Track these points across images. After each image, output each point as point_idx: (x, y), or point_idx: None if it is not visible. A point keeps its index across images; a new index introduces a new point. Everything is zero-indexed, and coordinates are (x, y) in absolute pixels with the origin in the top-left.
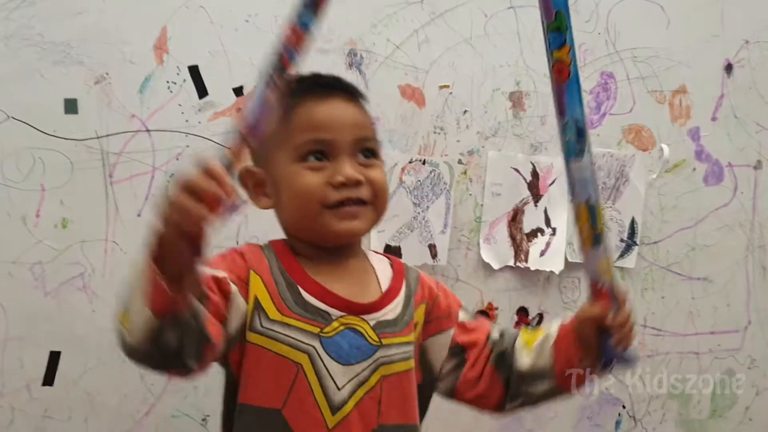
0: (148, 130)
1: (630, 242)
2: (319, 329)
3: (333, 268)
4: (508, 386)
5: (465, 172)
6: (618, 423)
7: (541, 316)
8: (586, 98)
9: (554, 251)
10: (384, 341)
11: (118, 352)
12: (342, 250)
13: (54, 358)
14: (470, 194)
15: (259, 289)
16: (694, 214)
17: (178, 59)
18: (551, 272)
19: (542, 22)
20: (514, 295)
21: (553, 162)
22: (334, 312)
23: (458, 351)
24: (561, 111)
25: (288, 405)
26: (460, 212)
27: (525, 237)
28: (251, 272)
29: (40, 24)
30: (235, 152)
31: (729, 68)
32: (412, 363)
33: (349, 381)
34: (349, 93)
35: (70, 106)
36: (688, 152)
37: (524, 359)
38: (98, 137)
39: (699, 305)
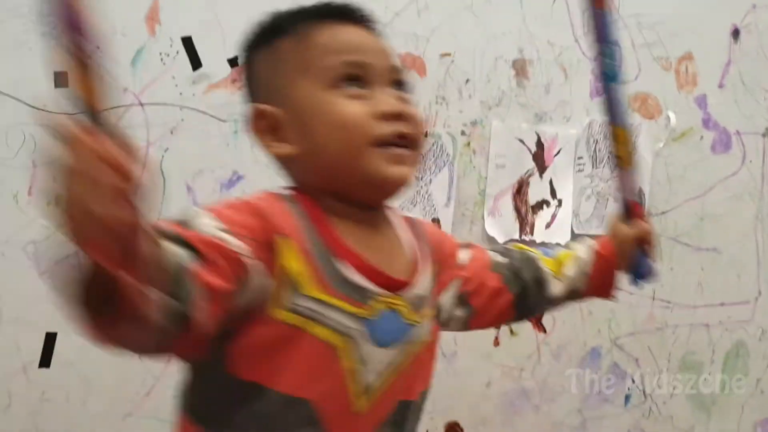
0: (141, 104)
1: None
2: (362, 310)
3: (366, 233)
4: (523, 310)
5: (468, 144)
6: (627, 397)
7: None
8: (591, 66)
9: (560, 223)
10: (419, 319)
11: None
12: (377, 211)
13: (50, 339)
14: (474, 166)
15: (292, 257)
16: (702, 184)
17: (170, 30)
18: (557, 244)
19: None
20: None
21: (558, 132)
22: (378, 290)
23: (464, 299)
24: (601, 37)
25: (316, 390)
26: (463, 185)
27: (530, 209)
28: (277, 236)
29: None
30: (81, 79)
31: (736, 33)
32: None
33: (382, 364)
34: (368, 19)
35: (61, 79)
36: (695, 120)
37: (555, 288)
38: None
39: (708, 276)
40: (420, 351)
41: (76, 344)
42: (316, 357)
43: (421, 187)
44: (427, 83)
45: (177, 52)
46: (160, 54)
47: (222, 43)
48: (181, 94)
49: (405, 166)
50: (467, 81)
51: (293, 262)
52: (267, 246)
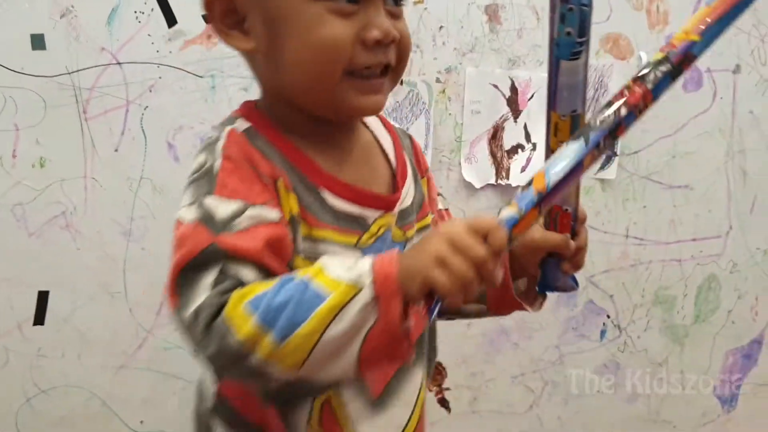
0: (119, 63)
1: (610, 153)
2: (356, 239)
3: (338, 149)
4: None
5: (443, 91)
6: (603, 332)
7: None
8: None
9: (535, 166)
10: (408, 234)
11: (105, 288)
12: (347, 122)
13: (43, 297)
14: (450, 114)
15: (291, 202)
16: (674, 122)
17: None
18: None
19: None
20: (496, 213)
21: (531, 76)
22: (370, 213)
23: None
24: None
25: None
26: (440, 132)
27: (506, 154)
28: (273, 182)
29: None
30: (525, 226)
31: None
32: None
33: None
34: None
35: (38, 41)
36: None
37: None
38: (69, 73)
39: (680, 213)
40: None
41: (69, 301)
42: None
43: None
44: None
45: (152, 10)
46: (135, 12)
47: None
48: (157, 51)
49: (378, 95)
50: (441, 28)
51: (291, 203)
52: (278, 200)
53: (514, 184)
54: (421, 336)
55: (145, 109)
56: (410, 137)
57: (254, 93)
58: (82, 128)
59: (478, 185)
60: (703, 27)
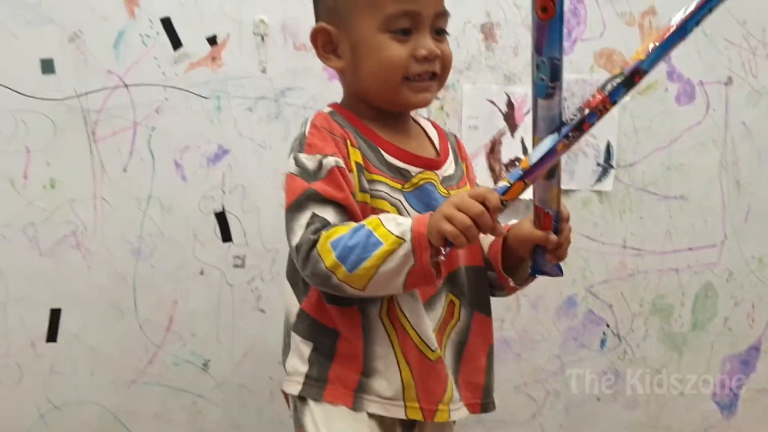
0: (126, 86)
1: (606, 165)
2: (401, 185)
3: (396, 129)
4: None
5: (442, 107)
6: (603, 341)
7: None
8: None
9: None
10: (451, 192)
11: (116, 305)
12: (403, 114)
13: (55, 315)
14: (448, 129)
15: (356, 155)
16: (668, 134)
17: (149, 12)
18: (530, 200)
19: None
20: None
21: (526, 92)
22: (413, 169)
23: None
24: (538, 49)
25: None
26: None
27: (504, 167)
28: (342, 141)
29: None
30: (514, 194)
31: None
32: None
33: None
34: None
35: (47, 66)
36: (660, 73)
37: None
38: (77, 96)
39: (676, 223)
40: None
41: (80, 318)
42: None
43: None
44: None
45: (157, 33)
46: (141, 35)
47: (200, 22)
48: (163, 74)
49: (428, 93)
50: None
51: (357, 157)
52: (345, 153)
53: None
54: (461, 287)
55: (152, 130)
56: (455, 136)
57: (259, 113)
58: (91, 149)
59: None
60: (649, 50)
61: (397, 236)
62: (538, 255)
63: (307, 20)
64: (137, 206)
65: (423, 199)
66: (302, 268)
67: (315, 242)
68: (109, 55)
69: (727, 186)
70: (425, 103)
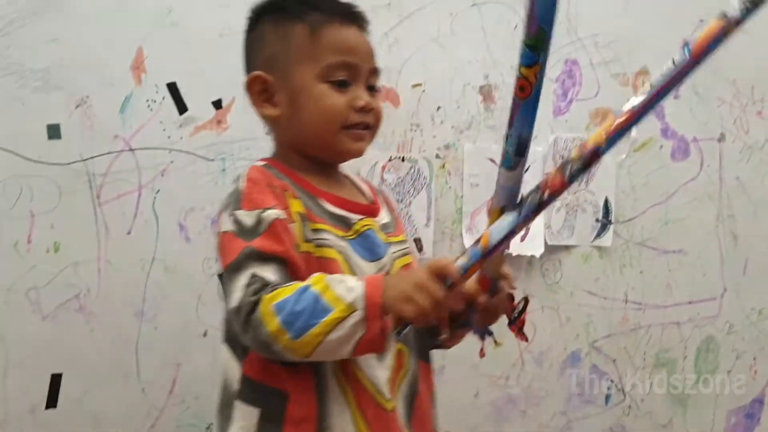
0: (131, 149)
1: (605, 221)
2: (344, 233)
3: (330, 179)
4: None
5: (443, 166)
6: (608, 397)
7: (526, 300)
8: (552, 86)
9: (534, 235)
10: (392, 239)
11: (118, 368)
12: (334, 165)
13: (56, 380)
14: (450, 187)
15: (297, 205)
16: (665, 190)
17: (156, 77)
18: (532, 256)
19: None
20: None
21: None
22: (353, 216)
23: None
24: (510, 122)
25: None
26: (441, 205)
27: None
28: (282, 192)
29: (18, 53)
30: (472, 273)
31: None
32: (411, 258)
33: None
34: (365, 23)
35: (53, 131)
36: (655, 130)
37: None
38: (83, 160)
39: (676, 277)
40: (403, 268)
41: (82, 383)
42: (326, 271)
43: (402, 209)
44: (401, 112)
45: (163, 98)
46: (147, 100)
47: (205, 87)
48: (169, 137)
49: (363, 143)
50: (438, 108)
51: (298, 207)
52: (286, 204)
53: (514, 253)
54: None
55: (157, 192)
56: (383, 190)
57: None
58: (95, 212)
59: None
60: (607, 135)
61: (348, 303)
62: (471, 311)
63: None
64: (141, 268)
65: (367, 245)
66: (242, 332)
67: (256, 305)
68: (115, 119)
69: (724, 239)
70: (361, 152)
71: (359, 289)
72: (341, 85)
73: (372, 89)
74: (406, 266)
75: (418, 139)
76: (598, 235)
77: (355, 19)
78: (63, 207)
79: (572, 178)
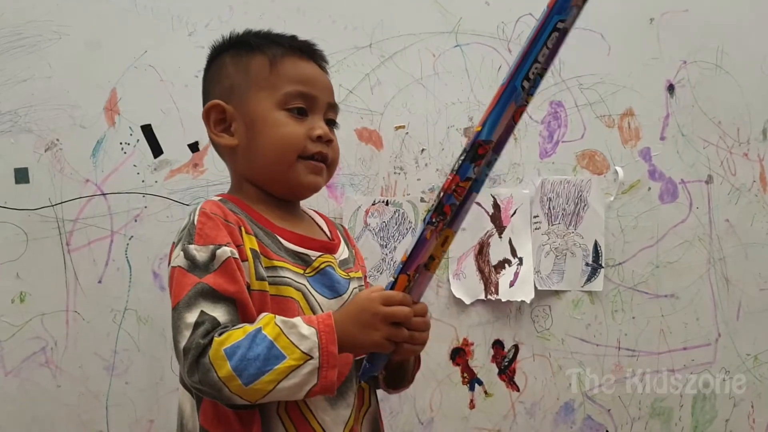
0: (103, 194)
1: (595, 265)
2: (303, 270)
3: (287, 215)
4: None
5: (428, 210)
6: None
7: (516, 348)
8: (539, 128)
9: (523, 281)
10: (351, 275)
11: (86, 426)
12: (291, 201)
13: None
14: None
15: (251, 242)
16: (654, 233)
17: (130, 119)
18: (522, 302)
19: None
20: (488, 329)
21: (512, 193)
22: (312, 253)
23: None
24: (497, 148)
25: None
26: None
27: (493, 269)
28: (236, 229)
29: None
30: (400, 288)
31: (671, 88)
32: None
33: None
34: (324, 62)
35: (21, 175)
36: (642, 172)
37: None
38: (52, 205)
39: (669, 322)
40: None
41: None
42: (281, 307)
43: (386, 254)
44: (384, 155)
45: (137, 141)
46: (121, 143)
47: (181, 129)
48: (143, 181)
49: (319, 177)
50: (422, 150)
51: (252, 244)
52: (240, 241)
53: (503, 299)
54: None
55: (130, 238)
56: (343, 226)
57: None
58: (64, 260)
59: (467, 301)
60: (483, 120)
61: (303, 352)
62: (369, 356)
63: None
64: (112, 319)
65: (326, 283)
66: (189, 375)
67: (205, 348)
68: (87, 163)
69: (716, 283)
70: (317, 187)
71: (313, 337)
72: (299, 113)
73: (331, 124)
74: None
75: (402, 183)
76: (589, 279)
77: (314, 55)
78: (30, 255)
79: (463, 172)
